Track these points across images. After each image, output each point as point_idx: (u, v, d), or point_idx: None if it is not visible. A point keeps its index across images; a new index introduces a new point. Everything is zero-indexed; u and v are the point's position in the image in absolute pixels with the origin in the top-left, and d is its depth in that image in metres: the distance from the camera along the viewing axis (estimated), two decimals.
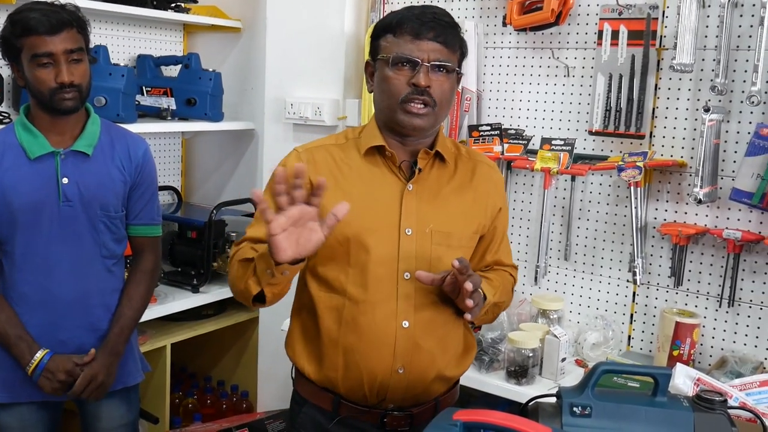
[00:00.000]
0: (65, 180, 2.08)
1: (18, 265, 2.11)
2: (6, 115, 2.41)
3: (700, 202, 2.27)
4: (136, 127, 2.64)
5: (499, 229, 1.92)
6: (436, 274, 1.66)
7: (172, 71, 3.17)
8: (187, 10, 3.05)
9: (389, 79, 1.70)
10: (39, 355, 2.08)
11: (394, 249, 1.73)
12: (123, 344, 2.21)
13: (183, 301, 2.92)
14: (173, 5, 2.99)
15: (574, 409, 1.31)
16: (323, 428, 1.82)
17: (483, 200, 1.86)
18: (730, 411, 1.33)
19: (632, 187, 2.40)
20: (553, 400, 1.38)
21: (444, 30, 1.70)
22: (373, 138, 1.78)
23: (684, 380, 2.08)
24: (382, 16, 2.96)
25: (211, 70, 3.05)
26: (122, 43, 3.19)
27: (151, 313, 2.76)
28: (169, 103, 3.05)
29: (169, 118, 3.02)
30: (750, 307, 2.36)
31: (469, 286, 1.59)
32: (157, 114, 3.03)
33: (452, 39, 1.72)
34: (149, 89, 3.08)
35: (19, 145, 2.08)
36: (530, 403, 1.39)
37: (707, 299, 2.43)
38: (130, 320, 2.24)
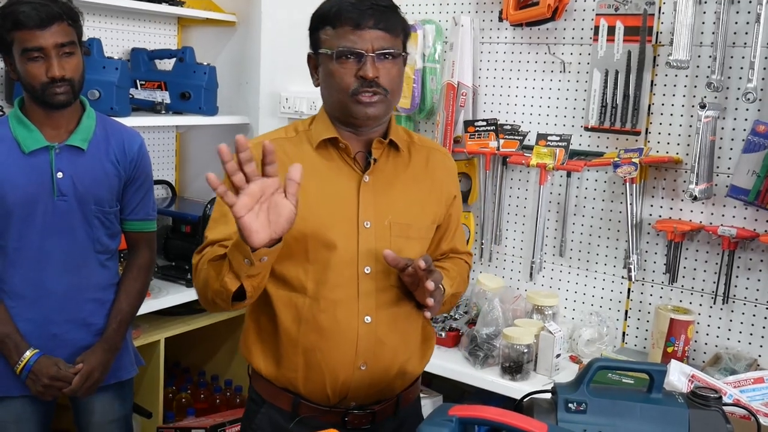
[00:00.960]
0: (60, 174, 2.08)
1: (11, 259, 2.10)
2: None
3: (695, 198, 2.28)
4: (130, 121, 2.63)
5: (454, 217, 1.89)
6: (401, 259, 1.62)
7: (167, 65, 3.16)
8: (181, 4, 3.03)
9: (335, 73, 1.64)
10: (27, 355, 2.07)
11: (354, 243, 1.68)
12: (121, 339, 2.22)
13: (177, 295, 2.91)
14: None
15: (570, 405, 1.31)
16: (282, 429, 1.76)
17: (438, 188, 1.82)
18: (724, 408, 1.34)
19: (628, 184, 2.41)
20: (549, 396, 1.39)
21: (384, 15, 1.64)
22: (325, 130, 1.72)
23: (678, 377, 2.10)
24: None
25: (205, 63, 3.04)
26: (116, 36, 3.17)
27: (145, 307, 2.73)
28: (163, 96, 3.03)
29: (164, 111, 3.01)
30: (744, 304, 2.37)
31: (430, 285, 1.58)
32: (151, 108, 3.02)
33: (394, 23, 1.67)
34: (143, 83, 3.07)
35: (13, 139, 2.07)
36: (525, 399, 1.39)
37: (702, 296, 2.44)
38: (128, 315, 2.25)
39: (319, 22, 1.69)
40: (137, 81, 3.05)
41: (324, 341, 1.68)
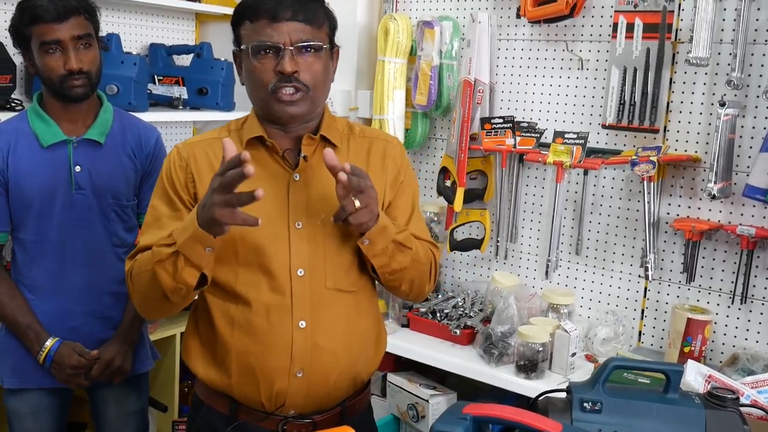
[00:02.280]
0: (78, 168, 2.09)
1: (30, 253, 2.12)
2: (18, 102, 2.42)
3: (713, 197, 2.26)
4: (148, 116, 2.64)
5: (405, 202, 1.77)
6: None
7: (184, 60, 3.17)
8: (199, 0, 3.05)
9: (254, 69, 1.59)
10: (48, 344, 2.10)
11: (285, 245, 1.61)
12: (136, 333, 2.23)
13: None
14: None
15: (585, 404, 1.31)
16: None
17: (380, 176, 1.72)
18: (741, 409, 1.33)
19: (645, 182, 2.39)
20: (564, 395, 1.38)
21: (304, 6, 1.58)
22: (253, 129, 1.66)
23: (695, 377, 2.08)
24: (395, 6, 2.97)
25: (223, 59, 3.05)
26: (134, 31, 3.19)
27: None
28: (180, 92, 3.05)
29: (181, 107, 3.03)
30: (763, 304, 2.35)
31: (343, 176, 1.47)
32: (169, 103, 3.04)
33: (314, 14, 1.60)
34: (161, 78, 3.08)
35: (32, 133, 2.08)
36: (540, 398, 1.39)
37: (719, 296, 2.42)
38: None
39: (239, 17, 1.63)
40: (155, 76, 3.07)
41: (257, 346, 1.63)
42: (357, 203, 1.50)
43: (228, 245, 1.60)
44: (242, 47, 1.62)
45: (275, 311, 1.63)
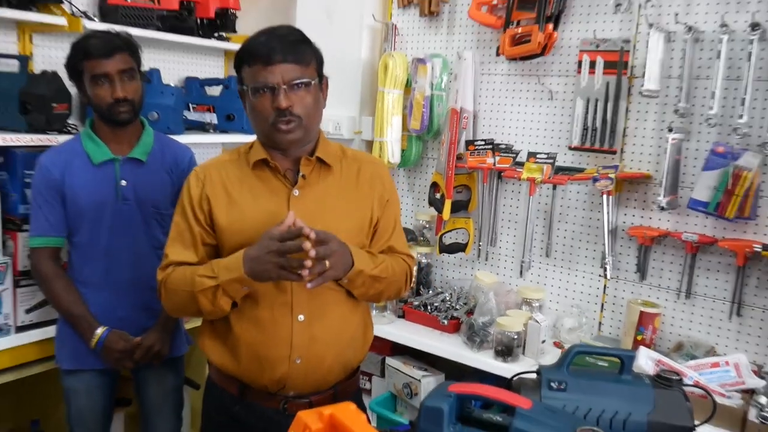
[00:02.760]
0: (123, 182, 2.10)
1: (83, 254, 2.13)
2: (74, 126, 2.43)
3: (662, 209, 2.27)
4: (183, 138, 2.64)
5: (388, 219, 1.76)
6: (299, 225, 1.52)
7: (215, 91, 3.18)
8: (227, 39, 3.06)
9: (255, 106, 1.59)
10: (99, 331, 2.10)
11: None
12: (173, 323, 2.24)
13: None
14: (216, 35, 2.99)
15: (552, 384, 1.30)
16: (229, 411, 1.72)
17: (368, 195, 1.72)
18: (685, 388, 1.33)
19: (605, 196, 2.40)
20: (534, 376, 1.38)
21: (292, 48, 1.58)
22: (258, 153, 1.67)
23: (646, 361, 2.09)
24: (393, 46, 2.98)
25: None
26: (173, 66, 3.20)
27: None
28: (211, 118, 3.05)
29: (212, 131, 3.03)
30: (704, 299, 2.35)
31: (309, 249, 1.46)
32: (201, 127, 3.04)
33: (302, 54, 1.59)
34: (195, 106, 3.09)
35: (84, 153, 2.09)
36: (514, 378, 1.39)
37: (668, 292, 2.42)
38: None
39: (238, 62, 1.64)
40: (190, 104, 3.07)
41: (262, 337, 1.64)
42: (327, 263, 1.50)
43: (237, 251, 1.60)
44: (244, 87, 1.62)
45: (278, 307, 1.64)
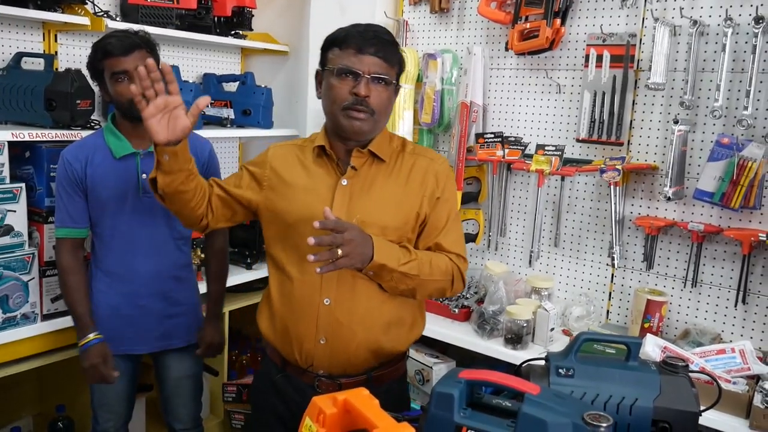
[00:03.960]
0: (144, 175, 2.10)
1: (107, 244, 2.14)
2: (97, 122, 2.44)
3: (669, 199, 2.25)
4: (202, 132, 2.65)
5: (439, 216, 1.71)
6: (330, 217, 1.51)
7: (232, 87, 3.18)
8: (244, 37, 3.05)
9: (333, 87, 1.61)
10: (91, 336, 2.08)
11: (323, 234, 1.52)
12: (220, 310, 2.34)
13: (239, 276, 2.93)
14: (233, 33, 2.99)
15: (560, 370, 1.30)
16: (272, 379, 1.78)
17: (418, 191, 1.69)
18: (691, 374, 1.32)
19: (612, 186, 2.38)
20: (543, 362, 1.37)
21: (384, 46, 1.61)
22: (320, 139, 1.71)
23: (653, 348, 2.07)
24: (405, 41, 2.96)
25: (263, 86, 3.06)
26: (191, 63, 3.21)
27: None
28: (228, 113, 3.06)
29: (229, 125, 3.04)
30: (710, 287, 2.33)
31: (311, 240, 1.43)
32: (219, 122, 3.05)
33: (391, 55, 1.63)
34: (213, 101, 3.10)
35: (106, 147, 2.10)
36: (523, 365, 1.38)
37: (674, 281, 2.41)
38: (219, 293, 2.37)
39: (329, 44, 1.67)
40: None
41: (293, 314, 1.69)
42: (339, 252, 1.47)
43: (284, 229, 1.68)
44: (327, 67, 1.65)
45: (308, 287, 1.67)
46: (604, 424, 1.07)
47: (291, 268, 1.68)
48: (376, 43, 1.60)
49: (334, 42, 1.65)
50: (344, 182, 1.67)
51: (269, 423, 1.80)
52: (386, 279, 1.61)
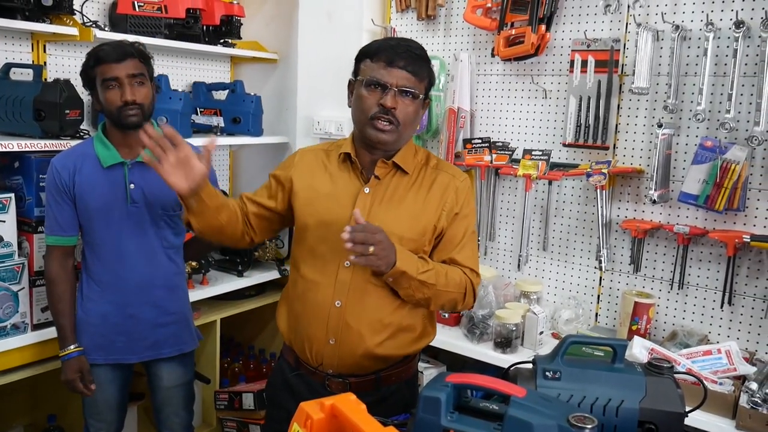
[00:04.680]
0: (132, 185, 2.09)
1: (96, 253, 2.13)
2: (86, 132, 2.43)
3: (654, 202, 2.26)
4: (192, 141, 2.61)
5: (455, 231, 1.72)
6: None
7: (221, 95, 3.18)
8: (233, 45, 3.05)
9: (362, 97, 1.64)
10: (71, 348, 2.09)
11: (341, 240, 1.54)
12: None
13: (230, 283, 2.92)
14: (222, 41, 2.99)
15: (547, 373, 1.30)
16: (285, 376, 1.81)
17: (437, 205, 1.70)
18: (677, 375, 1.32)
19: (598, 190, 2.39)
20: (530, 366, 1.38)
21: (414, 61, 1.63)
22: (346, 146, 1.73)
23: (640, 350, 2.08)
24: None
25: (253, 94, 3.06)
26: (180, 72, 3.20)
27: (203, 293, 2.77)
28: (218, 121, 3.05)
29: (219, 133, 3.03)
30: (696, 289, 2.34)
31: (345, 235, 1.48)
32: (209, 130, 3.04)
33: (421, 69, 1.65)
34: (202, 110, 3.09)
35: (95, 156, 2.09)
36: (511, 369, 1.38)
37: (661, 283, 2.41)
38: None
39: (362, 55, 1.69)
40: (198, 108, 3.07)
41: (305, 314, 1.72)
42: (371, 249, 1.50)
43: (305, 231, 1.72)
44: (358, 78, 1.68)
45: (321, 290, 1.69)
46: (589, 426, 1.07)
47: (306, 269, 1.72)
48: (406, 57, 1.63)
49: (366, 53, 1.68)
50: (366, 190, 1.70)
51: (283, 419, 1.79)
52: (404, 286, 1.63)
